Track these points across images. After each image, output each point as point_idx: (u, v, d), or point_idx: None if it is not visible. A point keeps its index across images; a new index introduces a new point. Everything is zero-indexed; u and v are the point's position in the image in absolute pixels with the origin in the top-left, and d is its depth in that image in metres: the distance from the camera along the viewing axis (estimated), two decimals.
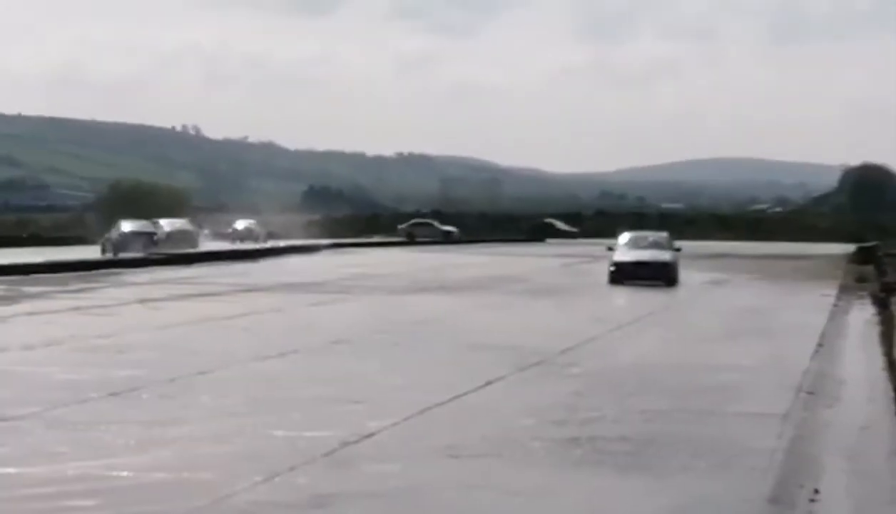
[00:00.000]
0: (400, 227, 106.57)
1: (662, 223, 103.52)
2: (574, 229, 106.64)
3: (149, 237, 62.82)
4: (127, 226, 64.10)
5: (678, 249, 43.66)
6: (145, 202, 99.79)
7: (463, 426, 13.67)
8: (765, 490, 10.75)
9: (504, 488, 11.05)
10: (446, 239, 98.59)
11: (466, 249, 76.69)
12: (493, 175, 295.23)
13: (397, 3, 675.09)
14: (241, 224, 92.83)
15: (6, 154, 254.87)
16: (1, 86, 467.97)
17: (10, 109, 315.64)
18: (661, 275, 40.22)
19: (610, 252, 43.13)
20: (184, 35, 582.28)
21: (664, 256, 41.81)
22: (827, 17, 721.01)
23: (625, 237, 44.79)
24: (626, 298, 35.59)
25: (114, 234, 62.81)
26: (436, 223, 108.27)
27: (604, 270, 41.85)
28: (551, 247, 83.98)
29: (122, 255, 57.01)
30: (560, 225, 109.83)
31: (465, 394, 16.06)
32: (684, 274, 41.41)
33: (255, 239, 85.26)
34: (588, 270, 50.50)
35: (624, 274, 40.13)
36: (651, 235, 46.68)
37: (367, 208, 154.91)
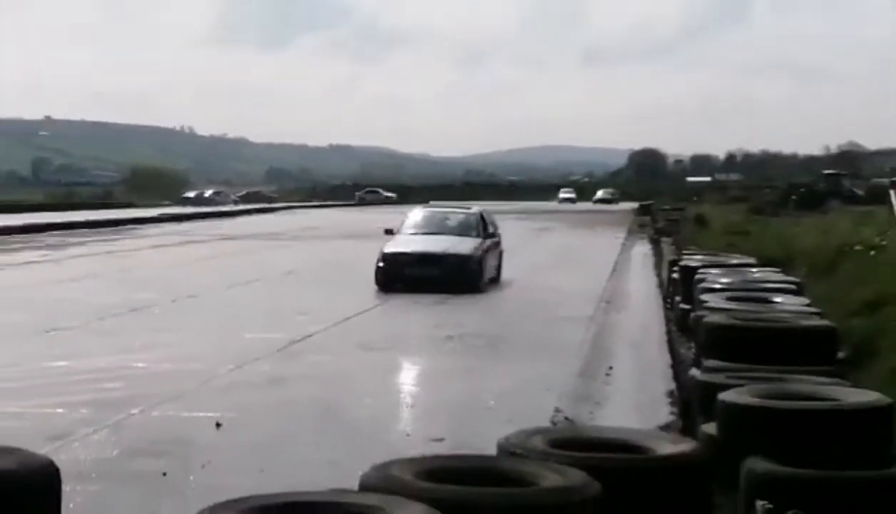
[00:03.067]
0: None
1: (508, 193, 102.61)
2: (392, 195, 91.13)
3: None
4: (218, 189, 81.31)
5: (493, 236, 20.18)
6: (160, 180, 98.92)
7: (371, 330, 13.67)
8: (576, 368, 10.89)
9: (402, 369, 11.23)
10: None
11: (377, 210, 76.22)
12: (398, 161, 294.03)
13: (328, 39, 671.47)
14: (363, 191, 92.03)
15: (59, 147, 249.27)
16: (54, 96, 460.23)
17: (62, 116, 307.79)
18: (454, 276, 17.91)
19: (389, 237, 20.10)
20: (183, 63, 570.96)
21: (462, 245, 18.78)
22: (625, 44, 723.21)
23: (416, 215, 21.22)
24: None
25: (219, 196, 75.37)
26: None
27: None
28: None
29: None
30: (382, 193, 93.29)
31: (372, 308, 16.09)
32: (519, 225, 23.45)
33: (377, 203, 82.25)
34: None
35: (396, 274, 18.18)
36: (457, 213, 20.91)
37: (308, 183, 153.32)
